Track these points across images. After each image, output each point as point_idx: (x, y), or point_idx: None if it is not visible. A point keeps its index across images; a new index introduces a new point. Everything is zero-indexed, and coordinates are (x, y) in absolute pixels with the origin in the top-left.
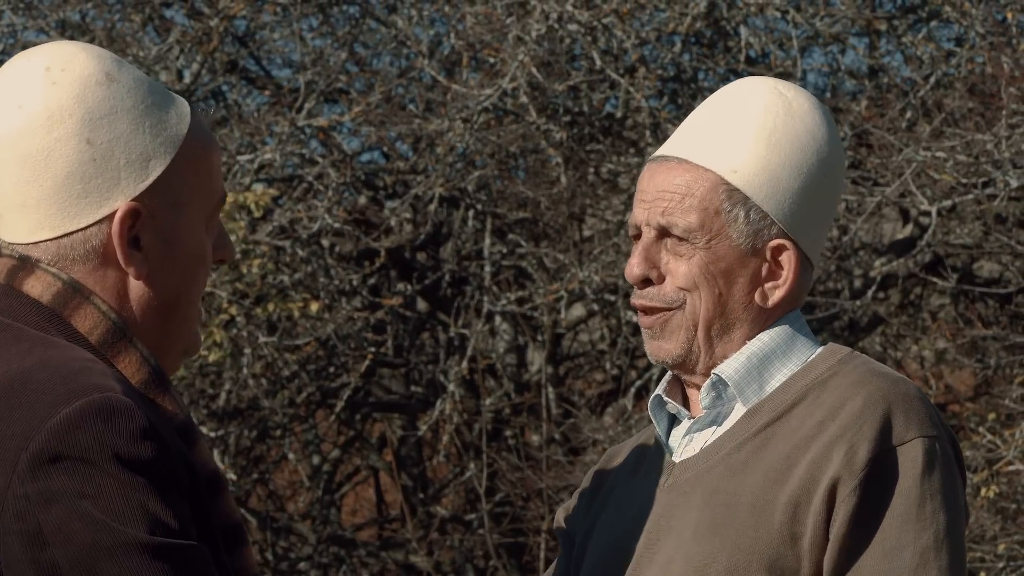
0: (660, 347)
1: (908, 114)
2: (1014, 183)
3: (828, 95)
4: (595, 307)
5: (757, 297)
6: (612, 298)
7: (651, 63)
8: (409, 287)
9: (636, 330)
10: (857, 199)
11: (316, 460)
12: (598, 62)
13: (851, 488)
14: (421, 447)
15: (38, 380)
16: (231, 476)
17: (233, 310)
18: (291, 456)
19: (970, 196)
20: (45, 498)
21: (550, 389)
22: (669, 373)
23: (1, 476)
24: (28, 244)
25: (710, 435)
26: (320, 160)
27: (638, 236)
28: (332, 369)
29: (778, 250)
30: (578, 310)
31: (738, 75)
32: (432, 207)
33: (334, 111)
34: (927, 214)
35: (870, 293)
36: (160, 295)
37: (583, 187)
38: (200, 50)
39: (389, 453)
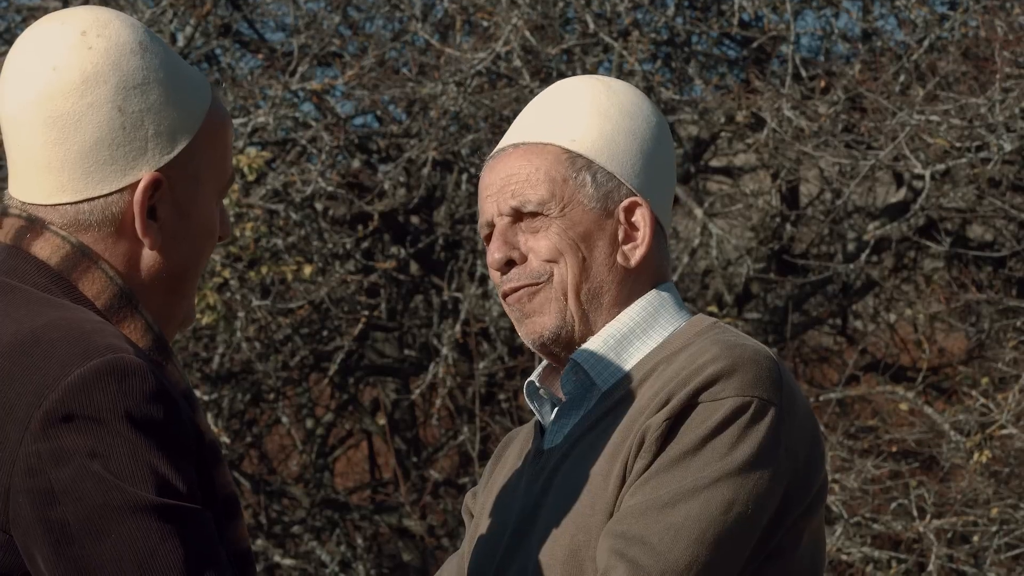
0: (535, 323)
1: (902, 78)
2: (1008, 147)
3: (821, 59)
4: None
5: (619, 259)
6: None
7: (644, 27)
8: (402, 251)
9: None
10: (851, 163)
11: (309, 424)
12: (591, 25)
13: (655, 436)
14: (414, 411)
15: (50, 340)
16: (224, 440)
17: (226, 273)
18: (284, 420)
19: (964, 160)
20: (56, 457)
21: None
22: (542, 364)
23: (13, 434)
24: (45, 206)
25: (575, 418)
26: (313, 124)
27: (490, 235)
28: (325, 333)
29: (630, 210)
30: None
31: (731, 38)
32: (425, 171)
33: (327, 75)
34: (920, 178)
35: (863, 257)
36: (170, 267)
37: None
38: (193, 13)
39: (382, 417)
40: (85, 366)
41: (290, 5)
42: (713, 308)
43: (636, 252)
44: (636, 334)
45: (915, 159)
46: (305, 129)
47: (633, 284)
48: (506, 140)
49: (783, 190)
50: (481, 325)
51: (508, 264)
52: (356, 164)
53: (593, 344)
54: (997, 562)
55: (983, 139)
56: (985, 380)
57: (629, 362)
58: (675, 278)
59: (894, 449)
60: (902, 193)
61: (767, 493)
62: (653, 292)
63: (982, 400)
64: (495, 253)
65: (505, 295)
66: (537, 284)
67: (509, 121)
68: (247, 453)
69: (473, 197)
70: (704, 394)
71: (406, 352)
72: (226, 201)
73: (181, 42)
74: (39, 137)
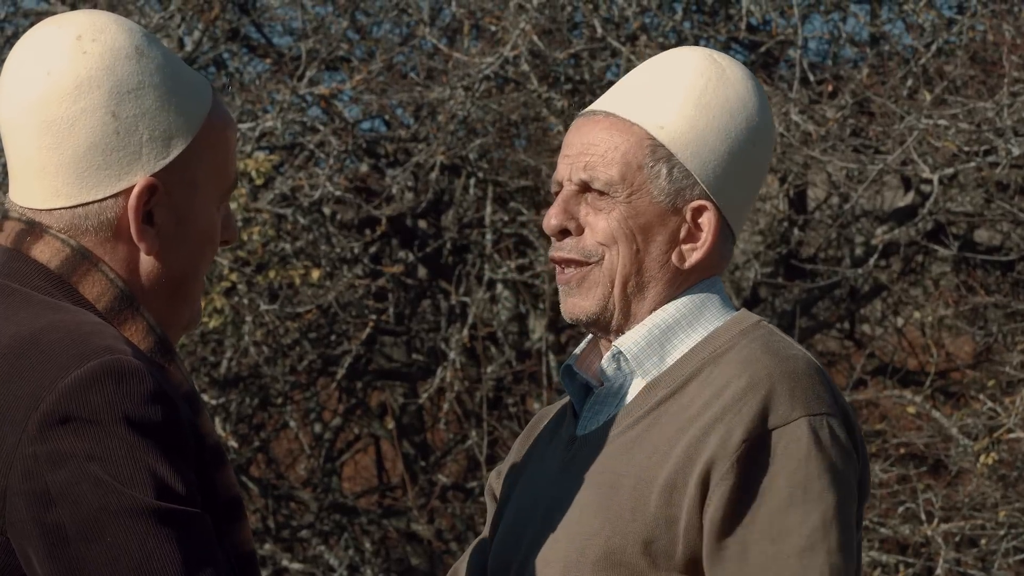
0: (576, 304)
1: (909, 82)
2: (1016, 151)
3: (829, 63)
4: None
5: (674, 258)
6: None
7: (652, 31)
8: (410, 255)
9: None
10: (858, 167)
11: (317, 428)
12: (599, 30)
13: (724, 471)
14: (422, 415)
15: (49, 341)
16: (232, 444)
17: (234, 277)
18: (292, 424)
19: (972, 164)
20: (53, 459)
21: (551, 357)
22: (587, 339)
23: (10, 436)
24: (41, 210)
25: (613, 408)
26: (321, 128)
27: (559, 192)
28: (333, 337)
29: (699, 211)
30: None
31: (739, 43)
32: (433, 175)
33: (335, 79)
34: (928, 182)
35: (872, 261)
36: (169, 272)
37: None
38: (201, 18)
39: (390, 421)
40: (82, 368)
41: (298, 9)
42: None
43: (693, 255)
44: (681, 326)
45: (923, 163)
46: (313, 133)
47: (683, 283)
48: (601, 102)
49: (791, 194)
50: (489, 329)
51: (563, 234)
52: (364, 168)
53: (637, 334)
54: (1005, 566)
55: (991, 143)
56: (993, 384)
57: (672, 355)
58: None
59: (902, 453)
60: (910, 197)
61: (855, 501)
62: (701, 284)
63: (990, 404)
64: (552, 219)
65: (555, 262)
66: (588, 263)
67: (517, 126)
68: (255, 457)
69: (481, 202)
70: (772, 417)
71: (414, 356)
72: (233, 205)
73: (189, 47)
74: (34, 142)
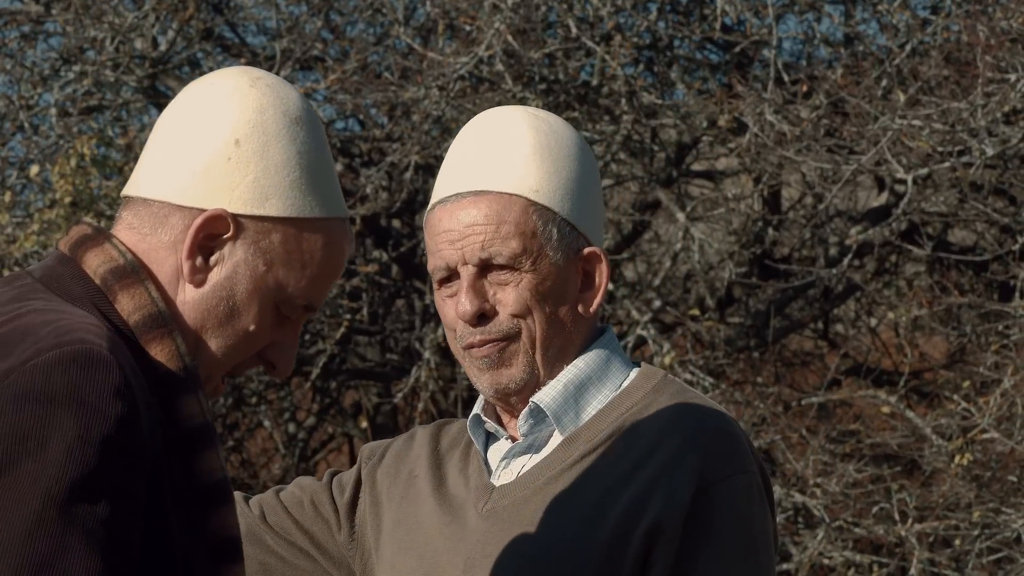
0: (503, 374)
1: (884, 82)
2: (990, 151)
3: (803, 63)
4: None
5: (580, 309)
6: None
7: (627, 31)
8: (384, 254)
9: (611, 297)
10: (832, 167)
11: (291, 428)
12: (574, 30)
13: (672, 530)
14: (396, 415)
15: (36, 334)
16: None
17: None
18: (266, 423)
19: (946, 164)
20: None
21: None
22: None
23: None
24: (131, 197)
25: (527, 461)
26: None
27: (447, 279)
28: (307, 336)
29: (588, 260)
30: None
31: (714, 43)
32: (408, 175)
33: (309, 79)
34: (903, 182)
35: (846, 261)
36: (196, 317)
37: None
38: (176, 18)
39: (364, 420)
40: (52, 351)
41: (272, 9)
42: (695, 311)
43: (594, 301)
44: (592, 381)
45: (897, 163)
46: None
47: (586, 331)
48: (459, 185)
49: (765, 194)
50: None
51: (479, 319)
52: (338, 168)
53: (554, 390)
54: (979, 566)
55: (965, 143)
56: (967, 384)
57: (588, 410)
58: (657, 281)
59: (876, 453)
60: (884, 197)
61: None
62: (604, 338)
63: (964, 404)
64: (466, 305)
65: (468, 347)
66: (508, 339)
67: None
68: (229, 457)
69: None
70: (709, 473)
71: (388, 356)
72: None
73: (163, 46)
74: (163, 135)
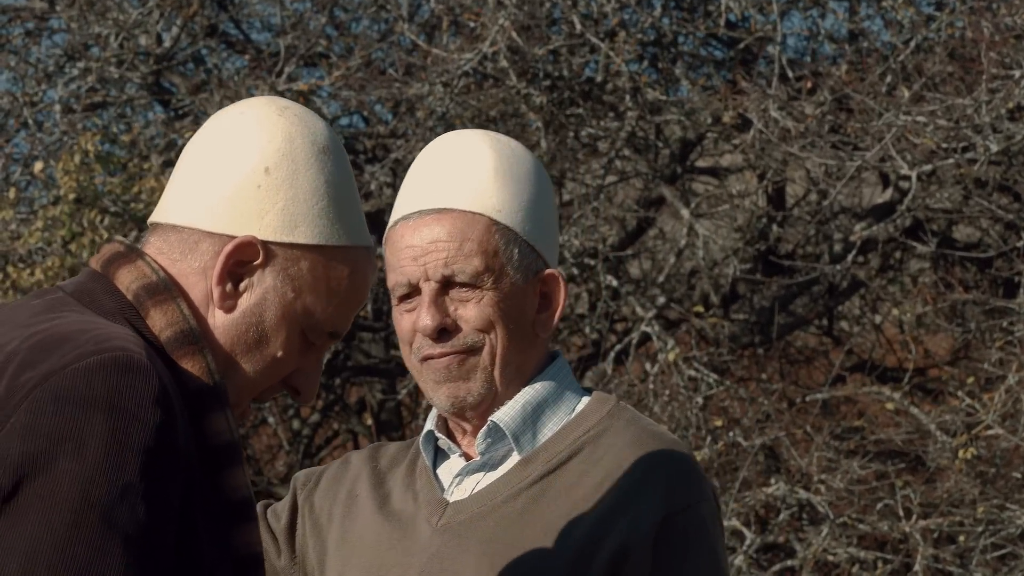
0: (461, 387)
1: (888, 79)
2: (994, 148)
3: (808, 59)
4: (575, 271)
5: (538, 328)
6: (591, 262)
7: (631, 27)
8: None
9: (616, 294)
10: (837, 163)
11: (296, 424)
12: (578, 26)
13: (640, 556)
14: (400, 411)
15: (76, 341)
16: None
17: None
18: (271, 420)
19: (950, 161)
20: (27, 429)
21: None
22: (435, 410)
23: (12, 405)
24: (160, 224)
25: (481, 479)
26: None
27: (407, 295)
28: None
29: (545, 281)
30: None
31: (718, 39)
32: None
33: (314, 75)
34: (907, 178)
35: (850, 257)
36: (224, 340)
37: (563, 151)
38: (180, 14)
39: (368, 417)
40: (93, 357)
41: (276, 6)
42: (700, 308)
43: (550, 322)
44: (548, 404)
45: (901, 160)
46: None
47: (542, 352)
48: (422, 202)
49: (769, 191)
50: None
51: (440, 333)
52: None
53: (512, 410)
54: (983, 562)
55: (969, 140)
56: (971, 380)
57: (544, 432)
58: (661, 278)
59: (880, 450)
60: (888, 194)
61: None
62: (557, 363)
63: (968, 400)
64: (427, 319)
65: (426, 359)
66: (468, 352)
67: (496, 122)
68: None
69: None
70: (674, 501)
71: (392, 352)
72: None
73: (168, 43)
74: (192, 162)
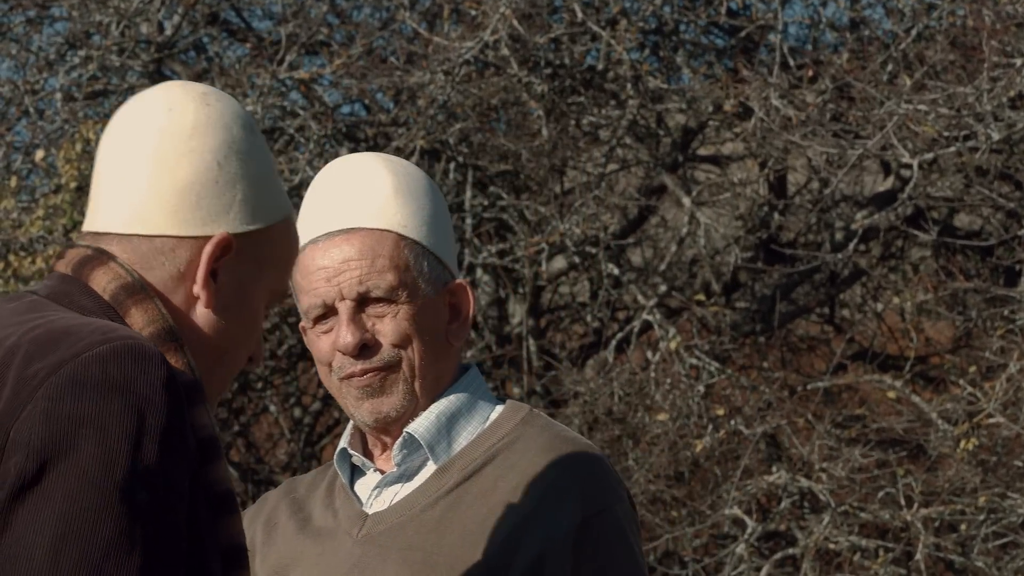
0: (384, 402)
1: (889, 67)
2: (996, 136)
3: (809, 47)
4: (576, 260)
5: (451, 338)
6: (593, 251)
7: (632, 15)
8: None
9: (617, 282)
10: (838, 152)
11: (297, 412)
12: (579, 14)
13: (558, 558)
14: None
15: (80, 333)
16: None
17: None
18: (272, 408)
19: (952, 149)
20: (49, 414)
21: (531, 341)
22: (351, 425)
23: (24, 395)
24: (119, 235)
25: (399, 490)
26: (301, 112)
27: (323, 316)
28: None
29: (454, 292)
30: (559, 263)
31: (719, 27)
32: (413, 160)
33: (315, 63)
34: (908, 167)
35: (851, 246)
36: (216, 336)
37: (564, 140)
38: (181, 2)
39: None
40: (104, 345)
41: None
42: (701, 296)
43: (461, 332)
44: (462, 413)
45: (903, 148)
46: (293, 118)
47: (456, 362)
48: (328, 224)
49: (771, 179)
50: None
51: (361, 350)
52: (344, 153)
53: (427, 420)
54: (984, 551)
55: (971, 128)
56: (972, 369)
57: (459, 440)
58: (663, 266)
59: (881, 438)
60: (890, 182)
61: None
62: (470, 373)
63: (969, 389)
64: (348, 337)
65: (348, 376)
66: (388, 368)
67: (497, 110)
68: (234, 442)
69: (460, 186)
70: (591, 504)
71: None
72: None
73: (169, 31)
74: (138, 169)
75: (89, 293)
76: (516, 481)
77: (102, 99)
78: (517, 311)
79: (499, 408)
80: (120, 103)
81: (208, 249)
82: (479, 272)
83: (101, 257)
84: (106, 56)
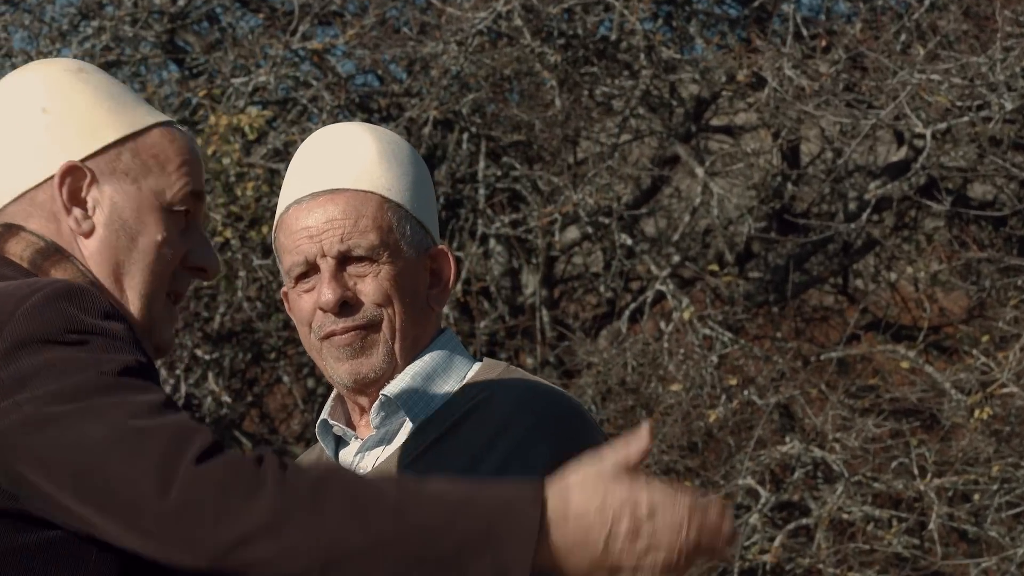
0: (363, 363)
1: (903, 36)
2: (1008, 105)
3: (822, 17)
4: (589, 230)
5: (432, 302)
6: (606, 221)
7: None
8: None
9: (630, 253)
10: (851, 122)
11: (311, 383)
12: None
13: None
14: None
15: (7, 292)
16: (225, 399)
17: (228, 233)
18: (285, 379)
19: (965, 119)
20: (16, 380)
21: (544, 312)
22: (333, 396)
23: None
24: (8, 206)
25: (381, 453)
26: (314, 83)
27: (304, 275)
28: None
29: (435, 257)
30: (572, 233)
31: None
32: (426, 130)
33: (328, 34)
34: (922, 136)
35: (865, 216)
36: (107, 260)
37: (577, 110)
38: None
39: None
40: (36, 295)
41: None
42: (714, 267)
43: (442, 297)
44: (439, 373)
45: (916, 118)
46: (306, 88)
47: (435, 326)
48: (313, 185)
49: (784, 149)
50: (482, 284)
51: (342, 308)
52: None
53: (403, 381)
54: (998, 520)
55: (984, 98)
56: (986, 339)
57: (436, 400)
58: (676, 236)
59: (895, 408)
60: (903, 152)
61: None
62: (445, 335)
63: (983, 359)
64: (328, 294)
65: (330, 335)
66: (369, 327)
67: (510, 80)
68: (248, 412)
69: (474, 156)
70: (565, 448)
71: None
72: (226, 160)
73: (182, 1)
74: None
75: (8, 263)
76: (491, 432)
77: (115, 70)
78: (530, 281)
79: (476, 366)
80: (133, 73)
81: (55, 181)
82: (492, 242)
83: (11, 228)
84: (119, 26)
